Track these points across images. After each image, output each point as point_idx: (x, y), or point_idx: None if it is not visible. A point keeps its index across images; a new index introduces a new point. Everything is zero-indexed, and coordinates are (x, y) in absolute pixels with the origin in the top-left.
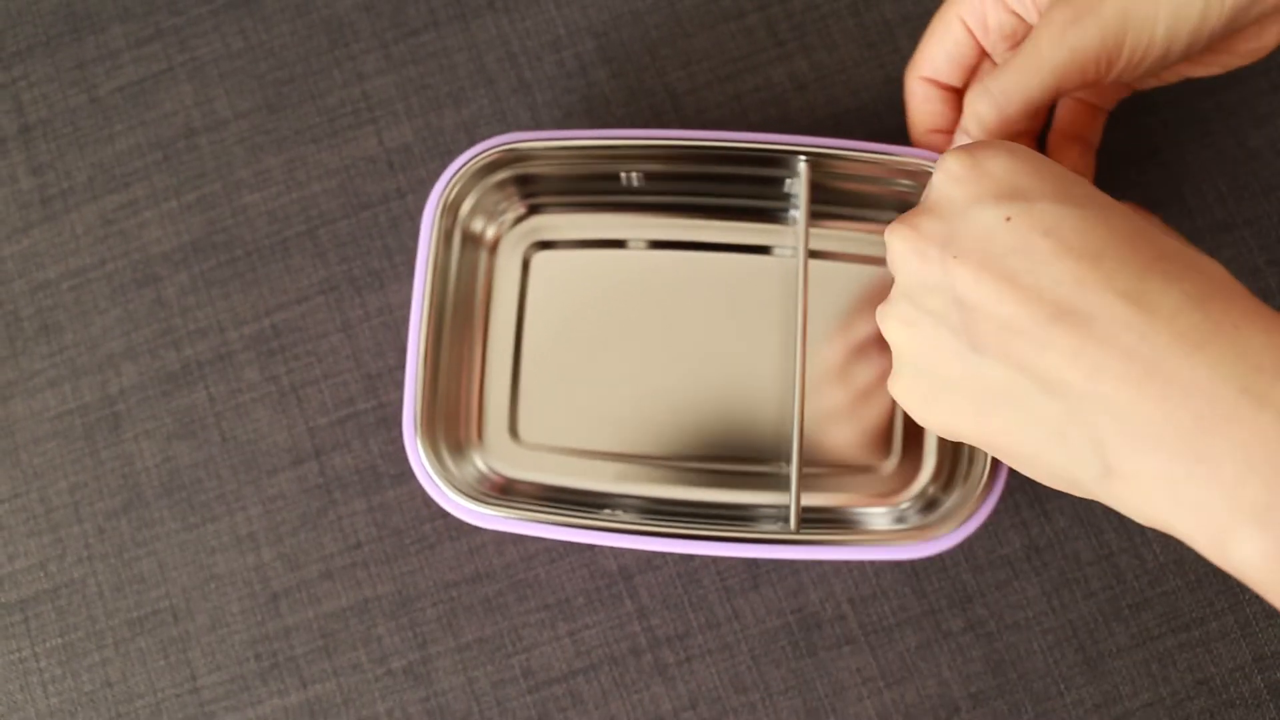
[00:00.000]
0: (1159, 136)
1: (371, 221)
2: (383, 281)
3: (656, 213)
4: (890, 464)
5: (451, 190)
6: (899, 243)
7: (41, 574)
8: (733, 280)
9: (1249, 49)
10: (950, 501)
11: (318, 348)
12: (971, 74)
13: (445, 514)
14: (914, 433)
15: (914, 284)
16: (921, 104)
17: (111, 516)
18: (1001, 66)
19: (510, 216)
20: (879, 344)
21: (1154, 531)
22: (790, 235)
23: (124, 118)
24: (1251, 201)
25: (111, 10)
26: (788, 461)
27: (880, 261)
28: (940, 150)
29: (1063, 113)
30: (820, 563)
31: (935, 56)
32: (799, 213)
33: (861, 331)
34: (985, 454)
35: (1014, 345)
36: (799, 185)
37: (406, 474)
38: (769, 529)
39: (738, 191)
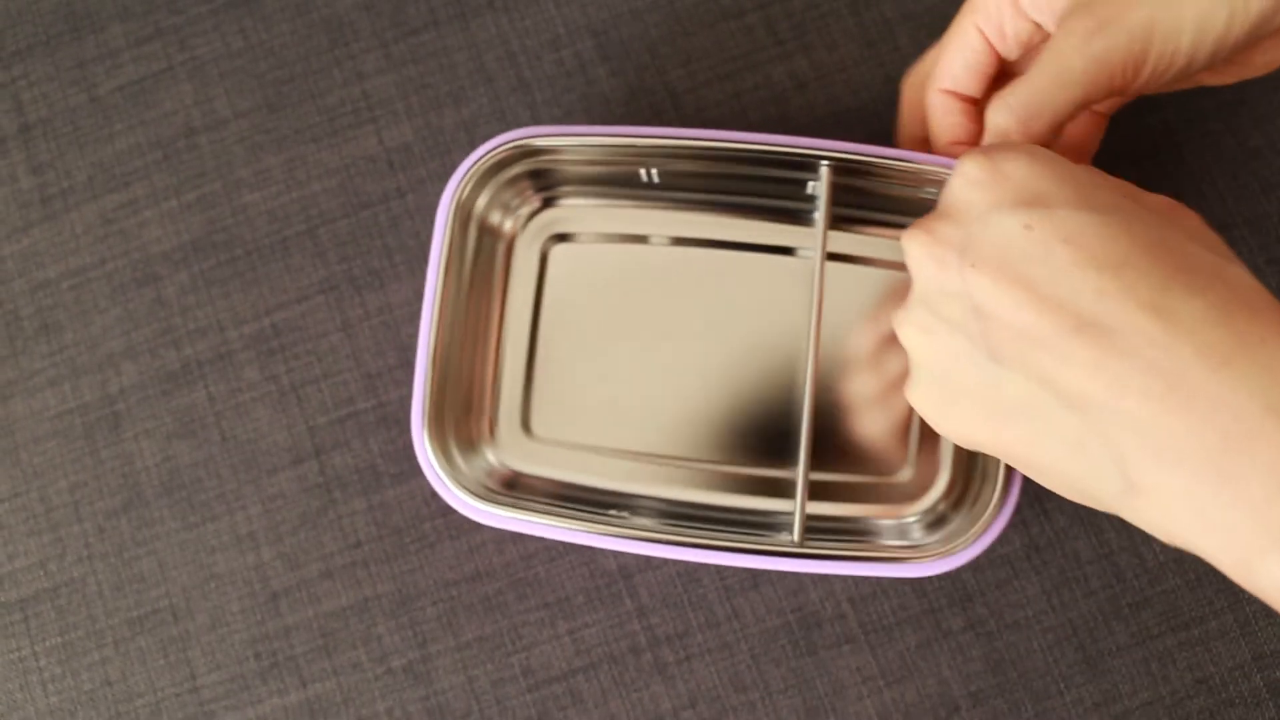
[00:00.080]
0: (1159, 136)
1: (371, 221)
2: (383, 281)
3: (677, 208)
4: (904, 474)
5: (466, 186)
6: (916, 248)
7: (41, 573)
8: (754, 280)
9: (1264, 61)
10: (957, 520)
11: (317, 347)
12: (990, 83)
13: (445, 513)
14: (930, 444)
15: (931, 291)
16: (943, 117)
17: (111, 516)
18: (1022, 80)
19: (526, 210)
20: (900, 349)
21: None
22: (814, 237)
23: (124, 117)
24: (1251, 200)
25: (111, 9)
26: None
27: (903, 267)
28: None
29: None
30: None
31: (954, 67)
32: (819, 215)
33: (882, 336)
34: (997, 478)
35: (1033, 356)
36: (821, 188)
37: (406, 473)
38: (777, 536)
39: (760, 190)
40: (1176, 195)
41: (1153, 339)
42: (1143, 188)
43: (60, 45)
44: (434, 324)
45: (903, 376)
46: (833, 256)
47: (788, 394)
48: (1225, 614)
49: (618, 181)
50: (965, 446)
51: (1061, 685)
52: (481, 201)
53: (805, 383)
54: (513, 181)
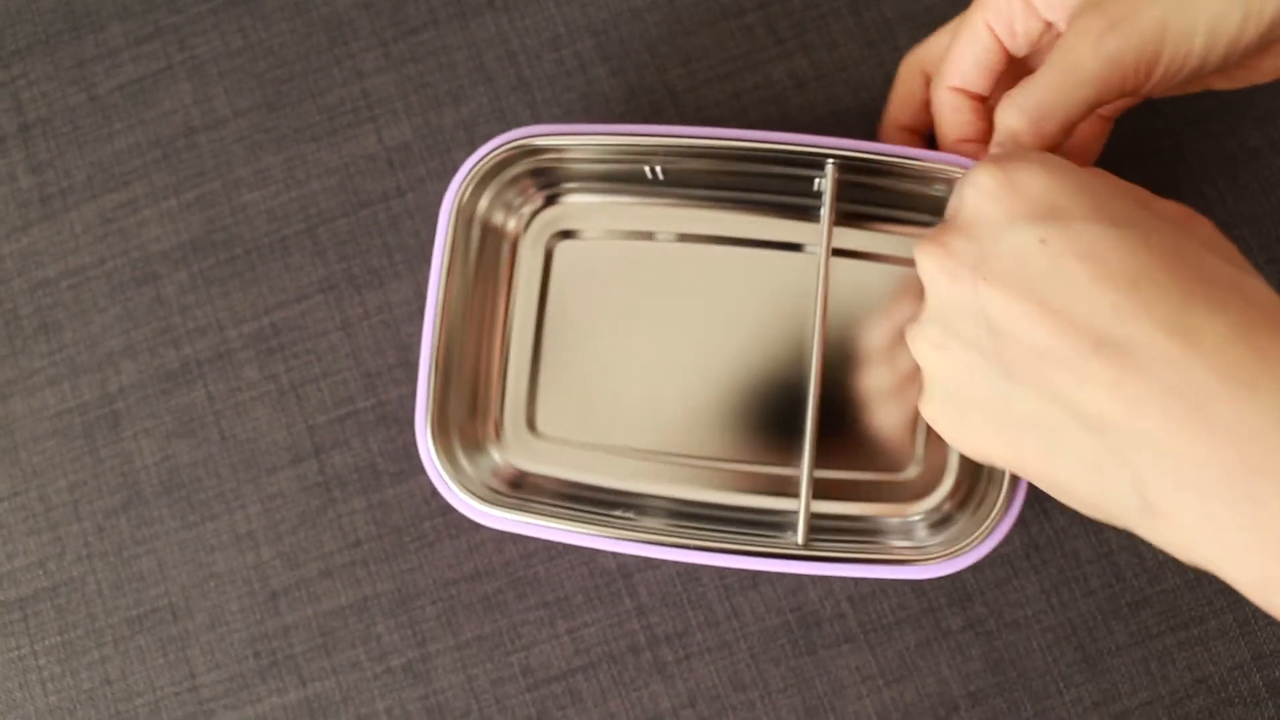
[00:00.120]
0: (1159, 136)
1: (371, 220)
2: (382, 280)
3: (683, 204)
4: (911, 471)
5: (468, 187)
6: (929, 262)
7: (41, 572)
8: (759, 276)
9: (1274, 66)
10: (962, 521)
11: (317, 346)
12: (998, 81)
13: (445, 512)
14: (936, 441)
15: (945, 306)
16: (951, 114)
17: (111, 515)
18: (1033, 79)
19: (529, 209)
20: (906, 347)
21: None
22: (819, 233)
23: (123, 116)
24: (1252, 200)
25: (111, 8)
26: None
27: (910, 262)
28: (972, 158)
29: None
30: None
31: (964, 64)
32: (824, 211)
33: (889, 333)
34: (1003, 479)
35: (1048, 374)
36: (827, 185)
37: (406, 472)
38: (782, 535)
39: (767, 186)
40: (1177, 195)
41: (1172, 360)
42: (1144, 188)
43: (60, 44)
44: (436, 327)
45: (909, 372)
46: (838, 252)
47: (794, 390)
48: (1225, 613)
49: (622, 178)
50: (979, 461)
51: (1061, 684)
52: (484, 202)
53: (810, 379)
54: (515, 180)
